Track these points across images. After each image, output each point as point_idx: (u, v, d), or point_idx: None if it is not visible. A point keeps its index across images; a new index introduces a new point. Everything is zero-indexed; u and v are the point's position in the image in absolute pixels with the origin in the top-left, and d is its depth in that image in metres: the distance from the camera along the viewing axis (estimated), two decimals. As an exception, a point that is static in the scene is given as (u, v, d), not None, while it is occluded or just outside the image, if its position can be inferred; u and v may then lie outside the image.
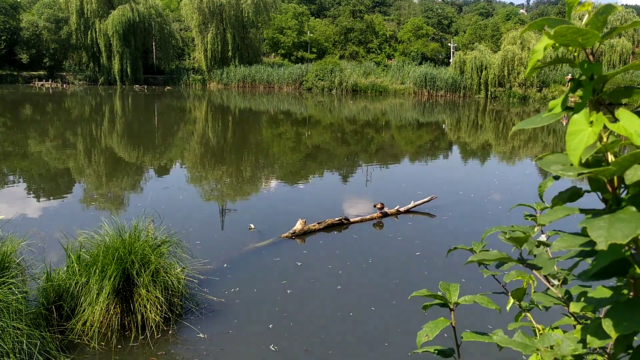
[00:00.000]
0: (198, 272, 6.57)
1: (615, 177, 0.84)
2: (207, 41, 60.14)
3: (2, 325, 4.56)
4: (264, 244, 8.59)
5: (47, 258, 6.17)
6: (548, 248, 1.38)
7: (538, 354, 1.13)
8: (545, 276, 1.38)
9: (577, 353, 1.07)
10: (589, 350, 1.10)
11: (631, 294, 0.87)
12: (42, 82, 57.56)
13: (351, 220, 9.96)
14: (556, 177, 0.99)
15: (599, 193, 0.88)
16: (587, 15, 0.87)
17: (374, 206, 10.44)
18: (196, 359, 5.22)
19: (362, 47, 78.34)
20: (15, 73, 58.62)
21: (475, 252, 1.49)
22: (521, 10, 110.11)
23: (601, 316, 0.85)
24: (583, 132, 0.82)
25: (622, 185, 0.84)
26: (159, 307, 5.66)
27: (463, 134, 26.77)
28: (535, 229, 1.45)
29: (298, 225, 9.11)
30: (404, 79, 53.86)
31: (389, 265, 7.97)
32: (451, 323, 1.34)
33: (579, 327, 1.19)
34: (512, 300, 1.49)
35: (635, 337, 0.85)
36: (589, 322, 1.13)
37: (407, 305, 6.31)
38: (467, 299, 1.40)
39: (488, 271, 1.50)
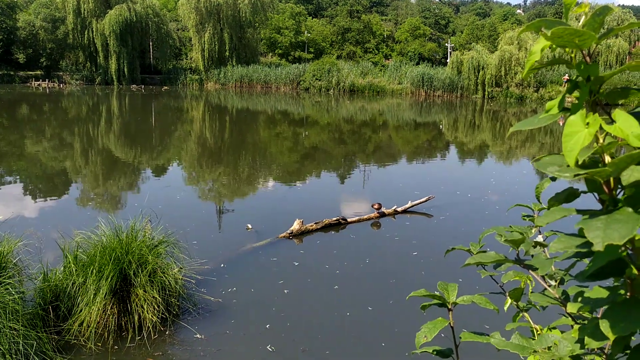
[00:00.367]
0: (195, 272, 6.57)
1: (611, 178, 0.84)
2: (204, 41, 60.07)
3: (-2, 325, 4.55)
4: (262, 244, 8.59)
5: (44, 258, 6.15)
6: (545, 248, 1.38)
7: (535, 355, 1.14)
8: (542, 276, 1.38)
9: (574, 354, 1.08)
10: (586, 351, 1.11)
11: (628, 294, 0.87)
12: (38, 82, 57.39)
13: (349, 220, 9.96)
14: (553, 178, 0.99)
15: (596, 194, 0.88)
16: (584, 17, 0.87)
17: (372, 206, 10.45)
18: (193, 360, 5.22)
19: (360, 47, 78.32)
20: (12, 73, 58.41)
21: (473, 253, 1.50)
22: (518, 11, 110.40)
23: (598, 316, 0.85)
24: (579, 133, 0.82)
25: (619, 186, 0.84)
26: (156, 307, 5.65)
27: (460, 134, 26.80)
28: (533, 229, 1.45)
29: (295, 225, 9.10)
30: (401, 79, 53.87)
31: (386, 265, 7.97)
32: (449, 323, 1.35)
33: (576, 327, 1.19)
34: (509, 301, 1.50)
35: (632, 337, 0.85)
36: (586, 322, 1.13)
37: (404, 305, 6.32)
38: (465, 299, 1.40)
39: (486, 272, 1.50)
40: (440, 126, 30.90)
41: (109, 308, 5.56)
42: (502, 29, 71.28)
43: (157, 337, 5.56)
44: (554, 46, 0.87)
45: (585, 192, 0.93)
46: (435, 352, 1.30)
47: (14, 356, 4.53)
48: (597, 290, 0.96)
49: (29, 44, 58.26)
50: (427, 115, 37.46)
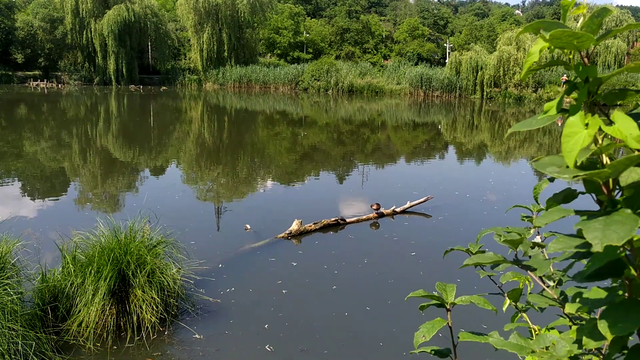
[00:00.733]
0: (194, 273, 6.56)
1: (610, 179, 0.84)
2: (202, 41, 60.05)
3: (-3, 326, 4.55)
4: (260, 245, 8.59)
5: (43, 259, 6.15)
6: (544, 249, 1.39)
7: (534, 355, 1.14)
8: (540, 277, 1.38)
9: (572, 354, 1.08)
10: (584, 351, 1.11)
11: (626, 294, 0.88)
12: (37, 82, 57.35)
13: (347, 220, 9.96)
14: (551, 179, 1.00)
15: (594, 195, 0.88)
16: (582, 18, 0.88)
17: (371, 207, 10.45)
18: (192, 360, 5.22)
19: (358, 47, 78.34)
20: (10, 73, 58.36)
21: (472, 254, 1.50)
22: (517, 11, 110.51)
23: (596, 317, 0.85)
24: (578, 134, 0.82)
25: (617, 187, 0.85)
26: (154, 307, 5.65)
27: (459, 135, 26.82)
28: (531, 230, 1.45)
29: (294, 226, 9.10)
30: (399, 79, 53.86)
31: (385, 266, 7.97)
32: (448, 323, 1.35)
33: (574, 327, 1.19)
34: (508, 301, 1.50)
35: (630, 338, 0.86)
36: (584, 322, 1.13)
37: (403, 306, 6.32)
38: (464, 299, 1.41)
39: (484, 272, 1.50)
40: (439, 126, 30.92)
41: (108, 308, 5.55)
42: (500, 29, 71.30)
43: (156, 338, 5.56)
44: (552, 47, 0.87)
45: (583, 193, 0.93)
46: (433, 352, 1.31)
47: (13, 356, 4.53)
48: (595, 291, 0.96)
49: (27, 44, 58.23)
50: (425, 115, 37.48)
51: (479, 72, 48.39)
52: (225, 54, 61.23)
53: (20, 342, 4.63)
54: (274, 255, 8.23)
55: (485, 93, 48.47)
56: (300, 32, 75.78)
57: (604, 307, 0.87)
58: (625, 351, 0.88)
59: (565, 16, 0.92)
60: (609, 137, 0.85)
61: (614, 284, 0.93)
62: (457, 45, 73.51)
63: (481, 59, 48.23)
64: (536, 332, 1.44)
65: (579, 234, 0.88)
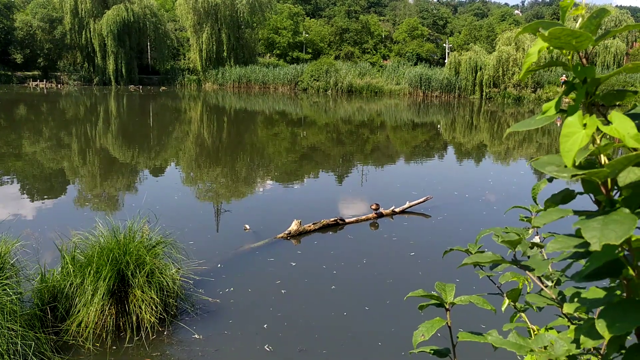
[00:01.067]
0: (193, 273, 6.57)
1: (608, 179, 0.85)
2: (202, 41, 60.07)
3: (-4, 326, 4.55)
4: (259, 245, 8.59)
5: (42, 259, 6.15)
6: (542, 249, 1.39)
7: (532, 354, 1.14)
8: (539, 277, 1.39)
9: (570, 354, 1.08)
10: (582, 351, 1.11)
11: (624, 294, 0.88)
12: (36, 83, 57.31)
13: (346, 220, 9.97)
14: (550, 179, 1.00)
15: (592, 195, 0.89)
16: (581, 19, 0.88)
17: (370, 207, 10.45)
18: (191, 360, 5.22)
19: (358, 47, 78.36)
20: (9, 73, 58.34)
21: (471, 254, 1.50)
22: (516, 12, 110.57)
23: (594, 317, 0.86)
24: (576, 134, 0.82)
25: (616, 187, 0.85)
26: (154, 308, 5.65)
27: (458, 135, 26.83)
28: (530, 230, 1.46)
29: (293, 226, 9.11)
30: (399, 79, 53.87)
31: (384, 266, 7.98)
32: (447, 323, 1.35)
33: (572, 327, 1.20)
34: (507, 301, 1.50)
35: (628, 337, 0.86)
36: (582, 322, 1.13)
37: (401, 306, 6.32)
38: (463, 299, 1.41)
39: (483, 272, 1.50)
40: (438, 127, 30.93)
41: (107, 309, 5.55)
42: (499, 29, 71.34)
43: (155, 338, 5.56)
44: (551, 48, 0.88)
45: (581, 194, 0.94)
46: (432, 352, 1.31)
47: (12, 357, 4.53)
48: (593, 291, 0.96)
49: (27, 44, 58.21)
50: (424, 115, 37.49)
51: (478, 73, 48.41)
52: (225, 54, 61.25)
53: (19, 343, 4.62)
54: (273, 255, 8.23)
55: (484, 93, 48.50)
56: (299, 32, 75.80)
57: (602, 307, 0.87)
58: (623, 351, 0.88)
59: (564, 17, 0.93)
60: (608, 137, 0.86)
61: (612, 284, 0.94)
62: (456, 46, 73.57)
63: (480, 59, 48.25)
64: (535, 332, 1.44)
65: (578, 234, 0.88)
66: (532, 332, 1.47)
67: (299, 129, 27.95)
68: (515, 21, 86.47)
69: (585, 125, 0.83)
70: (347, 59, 71.69)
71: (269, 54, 76.18)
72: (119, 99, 44.96)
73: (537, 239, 1.54)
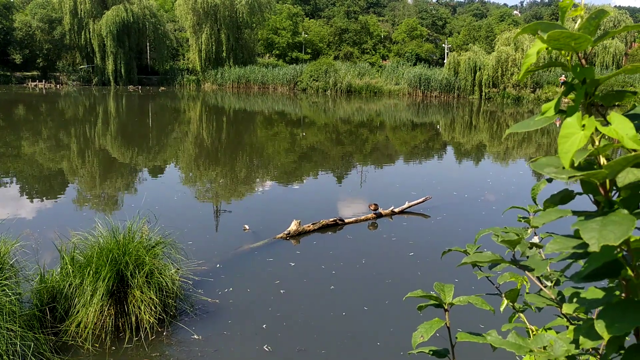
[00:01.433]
0: (192, 273, 6.57)
1: (607, 180, 0.85)
2: (201, 42, 60.07)
3: (-5, 327, 4.54)
4: (259, 245, 8.58)
5: (41, 259, 6.14)
6: (541, 250, 1.39)
7: (531, 355, 1.14)
8: (538, 277, 1.39)
9: (570, 354, 1.08)
10: (581, 351, 1.11)
11: (623, 295, 0.88)
12: (35, 83, 57.26)
13: (346, 221, 9.97)
14: (549, 180, 1.00)
15: (591, 195, 0.89)
16: (579, 20, 0.88)
17: (369, 207, 10.45)
18: (191, 360, 5.22)
19: (357, 47, 78.37)
20: (9, 74, 58.28)
21: (469, 254, 1.50)
22: (515, 12, 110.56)
23: (593, 317, 0.86)
24: (575, 135, 0.82)
25: (614, 188, 0.85)
26: (153, 308, 5.65)
27: (457, 135, 26.84)
28: (529, 230, 1.46)
29: (293, 226, 9.10)
30: (398, 79, 53.90)
31: (383, 266, 7.98)
32: (446, 323, 1.35)
33: (571, 327, 1.20)
34: (506, 301, 1.50)
35: (627, 337, 0.86)
36: (581, 322, 1.14)
37: (400, 306, 6.32)
38: (462, 299, 1.41)
39: (482, 272, 1.50)
40: (437, 127, 30.94)
41: (106, 309, 5.55)
42: (499, 29, 71.39)
43: (154, 338, 5.56)
44: (550, 48, 0.88)
45: (580, 194, 0.94)
46: (431, 353, 1.31)
47: (11, 357, 4.53)
48: (592, 291, 0.96)
49: (26, 45, 58.17)
50: (424, 115, 37.50)
51: (478, 73, 48.45)
52: (224, 54, 61.25)
53: (18, 343, 4.62)
54: (273, 255, 8.23)
55: (483, 93, 48.54)
56: (298, 33, 75.80)
57: (601, 307, 0.87)
58: (622, 351, 0.88)
59: (563, 17, 0.93)
60: (607, 137, 0.86)
61: (611, 285, 0.94)
62: (455, 46, 73.60)
63: (479, 59, 48.28)
64: (534, 332, 1.44)
65: (577, 235, 0.88)
66: (531, 332, 1.47)
67: (298, 129, 27.95)
68: (514, 22, 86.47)
69: (583, 126, 0.83)
70: (346, 59, 71.70)
71: (268, 55, 76.17)
72: (118, 99, 44.94)
73: (536, 239, 1.54)
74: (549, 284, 1.39)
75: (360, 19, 79.73)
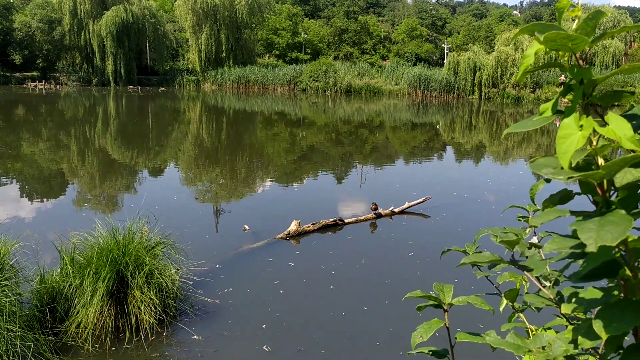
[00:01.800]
0: (192, 274, 6.57)
1: (605, 180, 0.85)
2: (201, 42, 60.07)
3: (-5, 327, 4.54)
4: (258, 245, 8.58)
5: (41, 260, 6.15)
6: (540, 250, 1.39)
7: (531, 355, 1.14)
8: (537, 277, 1.39)
9: (568, 354, 1.08)
10: (580, 351, 1.12)
11: (621, 295, 0.88)
12: (35, 83, 57.27)
13: (346, 221, 9.97)
14: (548, 180, 1.00)
15: (590, 196, 0.89)
16: (577, 21, 0.88)
17: (371, 207, 10.46)
18: (191, 361, 5.22)
19: (357, 48, 78.37)
20: (8, 74, 58.29)
21: (469, 254, 1.50)
22: (515, 12, 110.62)
23: (592, 317, 0.86)
24: (573, 135, 0.83)
25: (612, 188, 0.85)
26: (153, 308, 5.65)
27: (457, 135, 26.84)
28: (527, 230, 1.46)
29: (292, 226, 9.11)
30: (398, 79, 53.89)
31: (382, 266, 7.98)
32: (445, 324, 1.35)
33: (570, 327, 1.20)
34: (505, 301, 1.50)
35: (625, 337, 0.86)
36: (580, 322, 1.14)
37: (399, 306, 6.32)
38: (461, 299, 1.41)
39: (481, 272, 1.51)
40: (437, 127, 30.93)
41: (106, 310, 5.55)
42: (498, 30, 71.44)
43: (154, 339, 5.56)
44: (547, 49, 0.88)
45: (579, 194, 0.94)
46: (430, 353, 1.31)
47: (11, 358, 4.53)
48: (591, 291, 0.97)
49: (25, 45, 58.16)
50: (423, 116, 37.50)
51: (477, 73, 48.46)
52: (224, 54, 61.25)
53: (18, 344, 4.62)
54: (272, 255, 8.23)
55: (483, 93, 48.56)
56: (298, 33, 75.80)
57: (599, 307, 0.87)
58: (621, 351, 0.88)
59: (561, 18, 0.93)
60: (605, 138, 0.86)
61: (610, 284, 0.94)
62: (455, 46, 73.61)
63: (479, 59, 48.30)
64: (533, 332, 1.44)
65: (574, 235, 0.89)
66: (530, 332, 1.47)
67: (298, 129, 27.95)
68: (513, 22, 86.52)
69: (581, 126, 0.83)
70: (346, 59, 71.69)
71: (267, 55, 76.15)
72: (117, 99, 44.94)
73: (535, 239, 1.54)
74: (548, 284, 1.40)
75: (360, 19, 79.74)
